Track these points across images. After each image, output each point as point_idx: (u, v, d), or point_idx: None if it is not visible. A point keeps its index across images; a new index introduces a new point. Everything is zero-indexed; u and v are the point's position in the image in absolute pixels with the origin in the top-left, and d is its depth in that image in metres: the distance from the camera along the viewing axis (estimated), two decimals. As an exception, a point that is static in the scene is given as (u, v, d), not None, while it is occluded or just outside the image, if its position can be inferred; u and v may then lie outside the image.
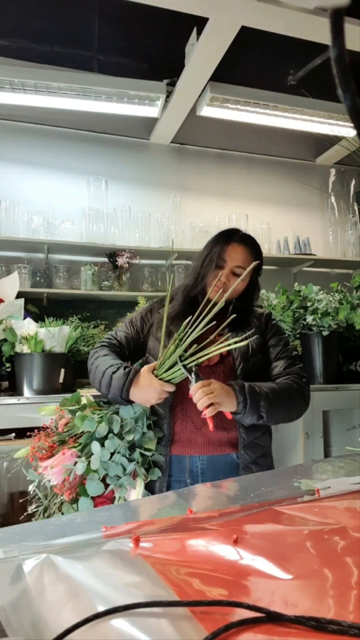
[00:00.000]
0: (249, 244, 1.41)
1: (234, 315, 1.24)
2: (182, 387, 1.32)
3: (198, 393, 1.16)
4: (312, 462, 1.14)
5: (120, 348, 1.44)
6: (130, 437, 1.22)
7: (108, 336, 1.48)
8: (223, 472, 1.28)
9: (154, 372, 1.24)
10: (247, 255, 1.38)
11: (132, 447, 1.24)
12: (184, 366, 1.19)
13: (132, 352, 1.45)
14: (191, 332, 1.20)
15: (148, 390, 1.22)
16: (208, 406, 1.16)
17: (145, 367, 1.26)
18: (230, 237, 1.40)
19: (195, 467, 1.30)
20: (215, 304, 1.21)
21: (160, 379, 1.22)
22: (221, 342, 1.37)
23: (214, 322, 1.41)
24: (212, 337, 1.22)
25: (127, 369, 1.27)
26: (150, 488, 1.30)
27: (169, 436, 1.30)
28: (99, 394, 1.36)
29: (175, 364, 1.21)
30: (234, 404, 1.20)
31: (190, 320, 1.20)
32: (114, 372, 1.27)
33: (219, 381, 1.28)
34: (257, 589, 0.50)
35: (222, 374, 1.33)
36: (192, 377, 1.18)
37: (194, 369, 1.19)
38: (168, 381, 1.22)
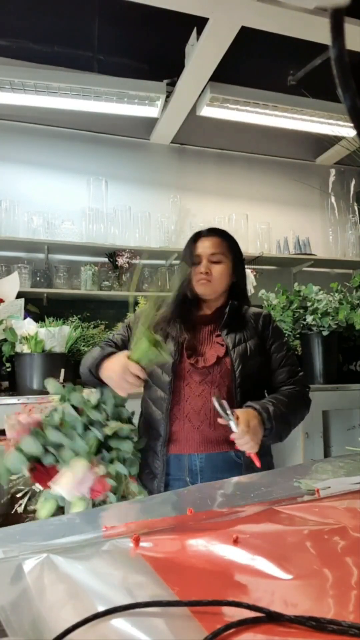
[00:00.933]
0: (217, 233, 1.46)
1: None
2: (178, 388, 1.32)
3: (246, 443, 1.17)
4: (312, 462, 1.14)
5: (117, 349, 1.44)
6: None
7: (106, 339, 1.50)
8: (222, 470, 1.28)
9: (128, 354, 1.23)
10: (217, 242, 1.44)
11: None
12: (222, 408, 1.17)
13: None
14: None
15: (114, 365, 1.22)
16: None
17: (124, 353, 1.26)
18: (197, 235, 1.47)
19: (194, 466, 1.30)
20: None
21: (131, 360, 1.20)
22: (216, 338, 1.38)
23: (211, 322, 1.42)
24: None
25: (105, 350, 1.31)
26: (148, 488, 1.30)
27: (165, 436, 1.30)
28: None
29: (143, 340, 1.18)
30: (262, 431, 1.22)
31: (159, 298, 1.24)
32: (91, 351, 1.33)
33: (215, 382, 1.31)
34: (257, 589, 0.50)
35: (218, 375, 1.33)
36: (232, 421, 1.16)
37: (229, 414, 1.17)
38: (138, 362, 1.19)
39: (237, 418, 1.17)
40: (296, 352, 2.54)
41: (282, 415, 1.26)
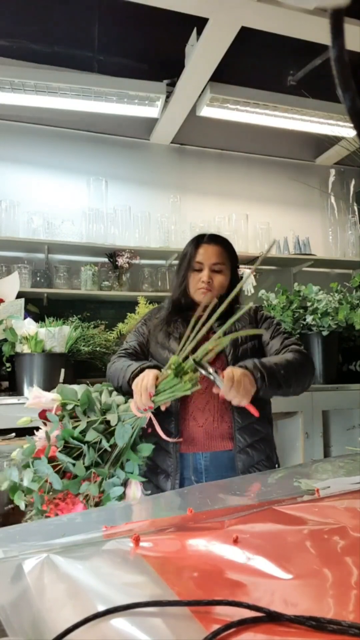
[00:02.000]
0: (219, 242, 1.46)
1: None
2: None
3: (232, 393, 1.16)
4: (312, 462, 1.14)
5: (136, 356, 1.46)
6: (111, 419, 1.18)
7: (122, 348, 1.50)
8: (226, 469, 1.29)
9: (157, 382, 1.20)
10: (220, 251, 1.44)
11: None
12: (203, 368, 1.16)
13: (146, 357, 1.48)
14: (192, 338, 1.19)
15: (143, 376, 1.20)
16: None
17: (156, 371, 1.24)
18: (199, 240, 1.46)
19: (199, 465, 1.31)
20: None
21: (157, 391, 1.18)
22: (213, 334, 1.38)
23: (206, 321, 1.42)
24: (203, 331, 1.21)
25: (141, 362, 1.30)
26: (162, 488, 1.30)
27: (177, 435, 1.31)
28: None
29: (169, 388, 1.16)
30: (254, 383, 1.20)
31: (187, 336, 1.20)
32: (130, 365, 1.31)
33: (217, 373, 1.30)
34: (257, 589, 0.50)
35: (220, 369, 1.33)
36: (216, 378, 1.16)
37: (211, 370, 1.16)
38: (158, 394, 1.18)
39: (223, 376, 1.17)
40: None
41: (275, 365, 1.25)
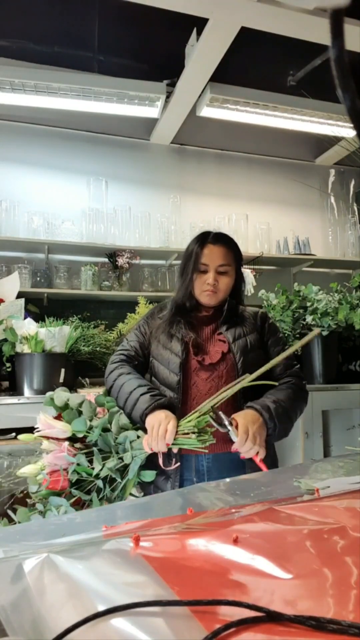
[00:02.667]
0: (224, 241, 1.44)
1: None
2: (185, 388, 1.33)
3: (246, 447, 1.17)
4: (312, 461, 1.14)
5: (137, 358, 1.46)
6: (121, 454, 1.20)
7: (122, 347, 1.49)
8: (228, 470, 1.28)
9: (182, 423, 1.20)
10: (225, 252, 1.42)
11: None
12: (221, 424, 1.17)
13: (146, 357, 1.48)
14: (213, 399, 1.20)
15: (159, 415, 1.21)
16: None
17: (169, 414, 1.22)
18: (203, 240, 1.43)
19: (202, 466, 1.31)
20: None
21: (179, 430, 1.18)
22: (218, 336, 1.38)
23: (211, 322, 1.43)
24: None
25: (154, 397, 1.28)
26: (161, 489, 1.30)
27: None
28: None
29: (187, 443, 1.17)
30: (265, 429, 1.22)
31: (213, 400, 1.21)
32: (142, 394, 1.29)
33: (222, 377, 1.32)
34: (256, 589, 0.50)
35: (224, 370, 1.35)
36: (232, 432, 1.16)
37: (227, 423, 1.16)
38: (182, 436, 1.18)
39: (236, 426, 1.17)
40: (296, 352, 2.54)
41: (285, 411, 1.27)
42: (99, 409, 1.31)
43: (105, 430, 1.23)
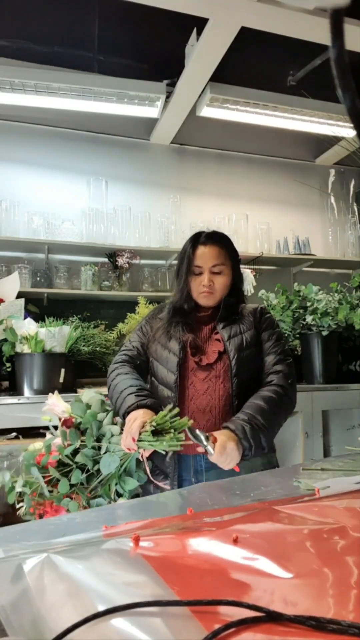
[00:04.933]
0: (216, 240, 1.42)
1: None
2: (183, 388, 1.33)
3: (221, 461, 1.16)
4: (312, 461, 1.14)
5: (139, 358, 1.46)
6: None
7: (125, 347, 1.49)
8: (227, 471, 1.28)
9: (148, 421, 1.17)
10: (218, 252, 1.40)
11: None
12: (196, 437, 1.16)
13: (149, 357, 1.47)
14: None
15: (135, 417, 1.19)
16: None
17: (147, 414, 1.21)
18: (195, 241, 1.42)
19: (200, 466, 1.31)
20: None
21: (140, 438, 1.16)
22: (215, 335, 1.37)
23: (210, 321, 1.43)
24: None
25: (139, 397, 1.27)
26: (160, 489, 1.30)
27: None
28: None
29: (149, 441, 1.15)
30: (241, 451, 1.20)
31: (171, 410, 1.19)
32: (129, 393, 1.29)
33: (219, 377, 1.32)
34: (256, 588, 0.50)
35: (221, 370, 1.34)
36: (208, 446, 1.16)
37: (203, 438, 1.16)
38: (141, 442, 1.16)
39: (214, 441, 1.16)
40: (296, 352, 2.55)
41: (261, 428, 1.23)
42: None
43: (95, 418, 1.26)
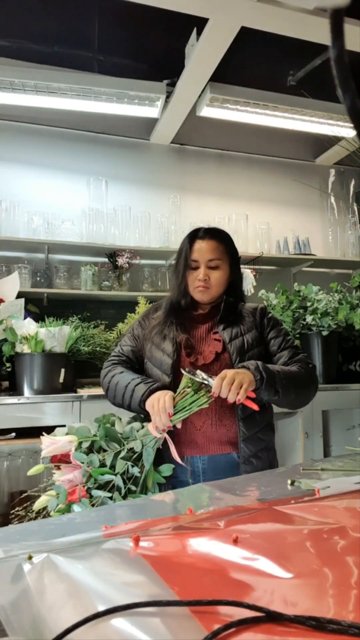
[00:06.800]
0: (213, 235, 1.42)
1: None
2: (178, 386, 1.32)
3: (223, 388, 1.16)
4: (312, 462, 1.14)
5: (130, 363, 1.45)
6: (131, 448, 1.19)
7: (116, 353, 1.49)
8: (224, 472, 1.28)
9: (174, 402, 1.22)
10: (215, 246, 1.40)
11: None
12: (195, 376, 1.20)
13: (140, 362, 1.47)
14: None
15: (159, 397, 1.22)
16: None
17: (170, 392, 1.25)
18: (192, 237, 1.42)
19: (197, 467, 1.30)
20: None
21: (175, 410, 1.20)
22: (214, 335, 1.37)
23: (207, 321, 1.42)
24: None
25: (148, 384, 1.29)
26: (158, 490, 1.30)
27: (172, 438, 1.30)
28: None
29: (188, 405, 1.20)
30: (253, 381, 1.20)
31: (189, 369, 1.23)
32: (137, 384, 1.30)
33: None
34: (256, 589, 0.50)
35: (218, 370, 1.32)
36: (209, 380, 1.19)
37: (204, 375, 1.20)
38: (176, 413, 1.20)
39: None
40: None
41: (277, 371, 1.26)
42: None
43: (109, 432, 1.24)
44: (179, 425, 1.22)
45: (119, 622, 0.44)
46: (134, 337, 1.48)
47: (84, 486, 1.14)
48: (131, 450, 1.19)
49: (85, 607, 0.46)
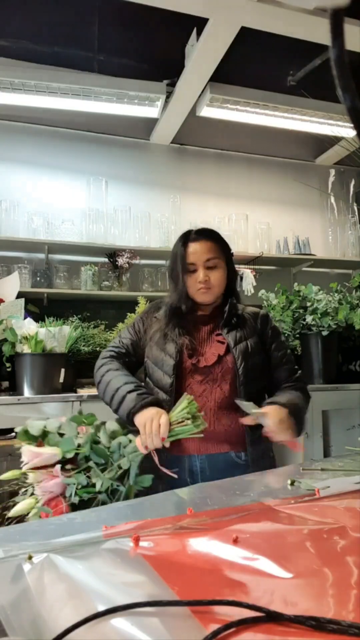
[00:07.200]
0: (207, 236, 1.41)
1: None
2: (180, 390, 1.32)
3: (280, 432, 1.20)
4: (312, 461, 1.14)
5: (128, 356, 1.44)
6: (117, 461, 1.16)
7: (115, 344, 1.47)
8: (222, 471, 1.28)
9: (170, 414, 1.19)
10: (210, 246, 1.39)
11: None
12: (250, 409, 1.21)
13: (139, 356, 1.46)
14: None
15: (148, 413, 1.19)
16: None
17: (159, 411, 1.21)
18: (185, 240, 1.40)
19: (195, 467, 1.30)
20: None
21: (172, 428, 1.17)
22: (217, 337, 1.37)
23: (209, 322, 1.42)
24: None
25: (140, 396, 1.26)
26: (153, 489, 1.30)
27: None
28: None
29: (182, 432, 1.17)
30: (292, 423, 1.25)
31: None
32: (129, 392, 1.27)
33: (216, 380, 1.32)
34: (256, 589, 0.50)
35: (219, 373, 1.33)
36: (262, 417, 1.21)
37: (260, 410, 1.21)
38: (170, 437, 1.17)
39: (265, 414, 1.20)
40: (296, 352, 2.55)
41: (300, 410, 1.30)
42: (79, 428, 1.25)
43: (95, 442, 1.19)
44: (167, 445, 1.18)
45: (119, 622, 0.44)
46: (135, 331, 1.47)
47: (67, 501, 1.09)
48: (118, 466, 1.16)
49: (85, 607, 0.46)
